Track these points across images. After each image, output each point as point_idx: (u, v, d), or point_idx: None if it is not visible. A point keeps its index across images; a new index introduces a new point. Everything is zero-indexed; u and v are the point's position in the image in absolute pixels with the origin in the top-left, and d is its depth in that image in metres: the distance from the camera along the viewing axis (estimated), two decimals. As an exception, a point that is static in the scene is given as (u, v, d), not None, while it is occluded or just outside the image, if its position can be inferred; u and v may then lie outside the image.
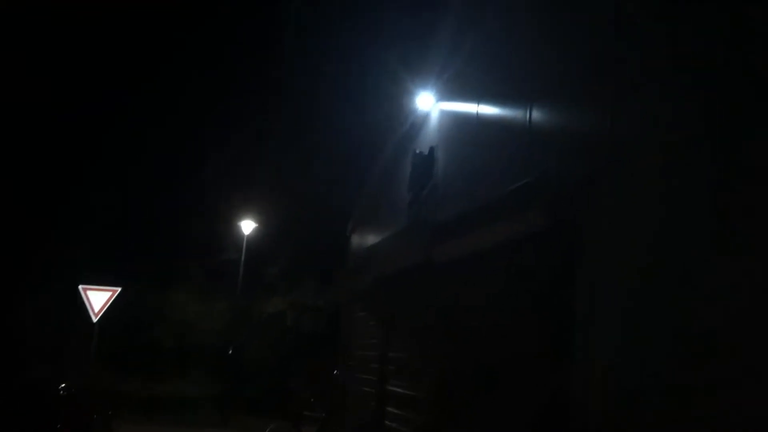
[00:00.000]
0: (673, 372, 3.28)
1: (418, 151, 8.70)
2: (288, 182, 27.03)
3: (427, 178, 8.21)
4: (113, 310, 15.13)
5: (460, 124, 7.52)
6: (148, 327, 27.43)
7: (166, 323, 27.46)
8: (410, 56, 9.05)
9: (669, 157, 3.51)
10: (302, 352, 27.04)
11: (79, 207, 24.85)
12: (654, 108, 3.73)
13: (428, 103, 8.62)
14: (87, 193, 24.77)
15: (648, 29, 3.90)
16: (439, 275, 7.12)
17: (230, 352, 25.22)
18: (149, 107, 24.05)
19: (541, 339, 4.85)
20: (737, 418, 2.83)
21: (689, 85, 3.41)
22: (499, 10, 6.54)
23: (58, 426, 9.00)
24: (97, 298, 14.58)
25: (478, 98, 6.81)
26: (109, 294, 14.74)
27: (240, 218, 25.90)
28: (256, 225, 26.10)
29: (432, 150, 8.23)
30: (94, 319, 14.62)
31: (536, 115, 5.29)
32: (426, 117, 8.77)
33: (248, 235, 25.73)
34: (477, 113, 6.83)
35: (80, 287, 14.67)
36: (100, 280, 15.07)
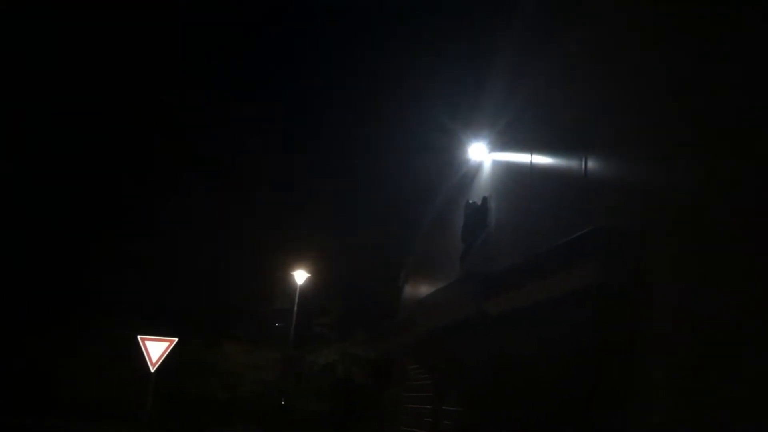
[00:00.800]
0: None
1: (470, 202, 8.67)
2: (341, 232, 27.25)
3: (480, 228, 8.16)
4: (165, 360, 15.30)
5: (514, 174, 7.49)
6: (199, 378, 27.60)
7: (217, 374, 27.59)
8: (462, 107, 9.13)
9: (726, 209, 3.42)
10: (353, 404, 26.75)
11: (132, 258, 25.48)
12: (711, 162, 3.65)
13: (481, 154, 8.63)
14: (140, 243, 25.42)
15: (704, 84, 3.85)
16: (493, 327, 6.99)
17: (282, 402, 25.11)
18: (206, 159, 24.74)
19: (598, 393, 4.68)
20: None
21: (748, 139, 3.33)
22: (553, 61, 6.55)
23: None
24: (155, 349, 14.73)
25: (532, 148, 6.78)
26: (166, 344, 14.89)
27: (293, 268, 26.09)
28: (309, 275, 26.24)
29: (485, 200, 8.20)
30: (152, 369, 14.78)
31: (592, 165, 5.24)
32: (478, 167, 8.77)
33: (301, 286, 25.87)
34: (530, 163, 6.80)
35: (139, 337, 14.89)
36: (152, 330, 15.29)
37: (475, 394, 7.69)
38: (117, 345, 23.18)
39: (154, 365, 14.75)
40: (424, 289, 11.04)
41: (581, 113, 5.73)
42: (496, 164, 8.18)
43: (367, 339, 26.82)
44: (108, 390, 24.92)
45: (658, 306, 3.95)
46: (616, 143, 4.94)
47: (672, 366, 3.77)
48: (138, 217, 25.39)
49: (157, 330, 15.91)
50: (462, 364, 8.37)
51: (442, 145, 9.89)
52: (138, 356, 15.28)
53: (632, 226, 4.32)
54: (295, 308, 25.77)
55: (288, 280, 26.93)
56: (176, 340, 15.25)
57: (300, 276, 26.48)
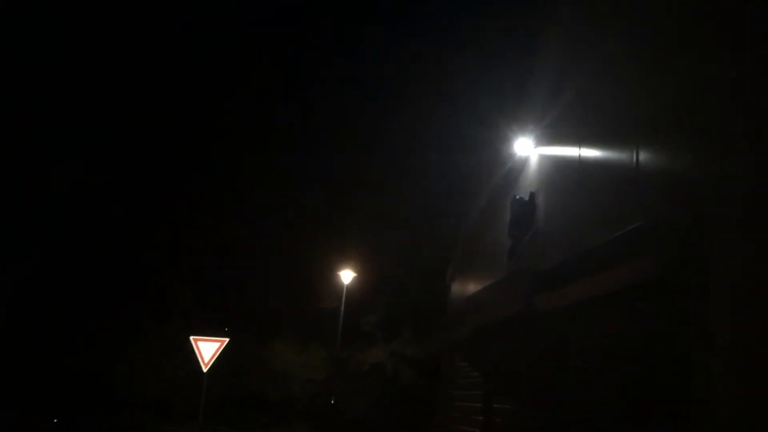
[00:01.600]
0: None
1: (517, 197, 8.60)
2: (387, 231, 27.27)
3: (528, 224, 8.09)
4: (217, 360, 15.58)
5: (562, 168, 7.39)
6: (251, 377, 27.99)
7: (268, 373, 27.94)
8: (508, 102, 9.06)
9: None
10: (402, 403, 26.77)
11: (184, 259, 25.99)
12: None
13: (527, 148, 8.54)
14: (191, 244, 25.90)
15: (763, 72, 3.74)
16: (543, 324, 6.93)
17: (332, 401, 25.30)
18: (250, 157, 25.02)
19: (654, 390, 4.59)
20: None
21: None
22: (602, 52, 6.44)
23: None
24: (207, 349, 15.04)
25: (580, 141, 6.69)
26: (218, 344, 15.19)
27: (339, 268, 26.25)
28: (355, 274, 26.36)
29: (532, 195, 8.12)
30: (204, 369, 15.07)
31: (644, 157, 5.13)
32: (525, 162, 8.69)
33: (347, 285, 26.01)
34: (579, 156, 6.70)
35: (191, 338, 15.21)
36: (204, 330, 15.59)
37: (527, 391, 7.63)
38: (170, 346, 23.70)
39: (206, 365, 15.05)
40: (472, 286, 10.99)
41: (632, 105, 5.62)
42: (543, 159, 8.08)
43: (414, 337, 26.85)
44: (163, 389, 25.49)
45: (716, 299, 3.85)
46: (669, 134, 4.83)
47: (732, 361, 3.68)
48: (191, 218, 25.88)
49: (209, 331, 16.21)
50: (513, 360, 8.31)
51: (488, 140, 9.82)
52: (191, 356, 15.61)
53: (688, 219, 4.22)
54: (342, 308, 25.92)
55: (335, 280, 27.11)
56: (227, 340, 15.53)
57: (346, 276, 26.64)
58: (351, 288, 26.65)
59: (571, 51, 7.27)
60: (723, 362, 3.74)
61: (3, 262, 15.05)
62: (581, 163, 6.64)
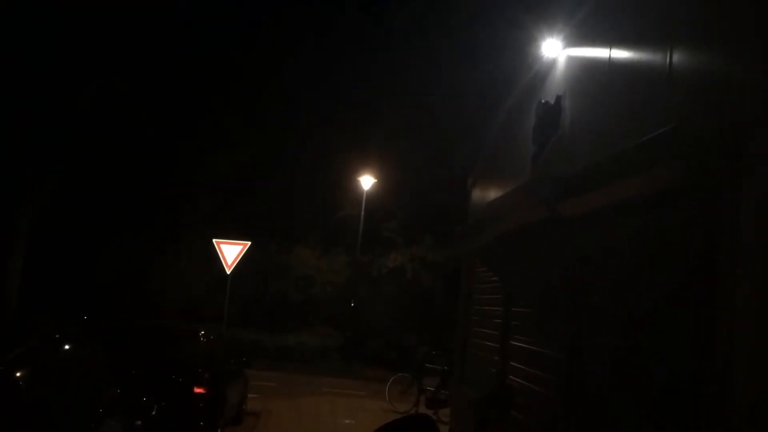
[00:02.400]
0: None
1: (543, 101, 8.36)
2: (408, 136, 26.97)
3: (553, 129, 7.89)
4: (242, 264, 15.92)
5: (590, 70, 7.13)
6: (274, 281, 28.66)
7: (289, 277, 28.58)
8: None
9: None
10: (421, 306, 27.36)
11: (206, 167, 26.07)
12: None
13: (554, 50, 8.22)
14: (213, 152, 25.90)
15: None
16: (566, 231, 6.87)
17: (352, 304, 25.92)
18: (268, 69, 24.56)
19: (678, 304, 4.56)
20: None
21: None
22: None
23: (199, 370, 9.64)
24: (230, 251, 15.41)
25: (611, 42, 6.40)
26: (240, 247, 15.55)
27: (359, 174, 26.24)
28: (375, 180, 26.36)
29: (558, 99, 7.88)
30: (228, 271, 15.46)
31: (677, 58, 4.89)
32: (552, 64, 8.39)
33: (367, 191, 26.07)
34: (609, 58, 6.43)
35: (214, 241, 15.53)
36: (227, 237, 15.89)
37: (546, 297, 7.68)
38: (197, 252, 24.22)
39: (230, 267, 15.45)
40: (494, 193, 10.91)
41: (667, 2, 5.32)
42: (571, 60, 7.79)
43: (434, 243, 27.09)
44: (190, 293, 26.27)
45: (751, 212, 3.73)
46: (707, 35, 4.58)
47: (760, 267, 3.60)
48: (216, 130, 25.81)
49: (234, 234, 16.51)
50: (533, 266, 8.33)
51: (513, 40, 9.46)
52: (216, 261, 15.98)
53: (726, 122, 4.04)
54: (362, 213, 26.07)
55: (355, 186, 27.14)
56: (249, 243, 15.84)
57: (366, 181, 26.62)
58: (372, 194, 26.70)
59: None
60: (750, 268, 3.66)
61: (32, 171, 15.22)
62: (611, 65, 6.39)
